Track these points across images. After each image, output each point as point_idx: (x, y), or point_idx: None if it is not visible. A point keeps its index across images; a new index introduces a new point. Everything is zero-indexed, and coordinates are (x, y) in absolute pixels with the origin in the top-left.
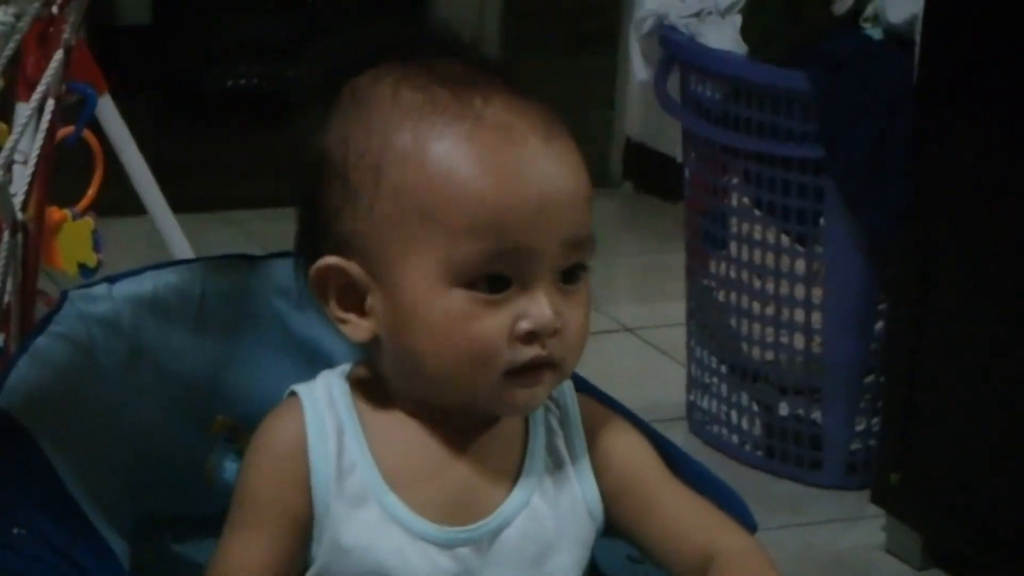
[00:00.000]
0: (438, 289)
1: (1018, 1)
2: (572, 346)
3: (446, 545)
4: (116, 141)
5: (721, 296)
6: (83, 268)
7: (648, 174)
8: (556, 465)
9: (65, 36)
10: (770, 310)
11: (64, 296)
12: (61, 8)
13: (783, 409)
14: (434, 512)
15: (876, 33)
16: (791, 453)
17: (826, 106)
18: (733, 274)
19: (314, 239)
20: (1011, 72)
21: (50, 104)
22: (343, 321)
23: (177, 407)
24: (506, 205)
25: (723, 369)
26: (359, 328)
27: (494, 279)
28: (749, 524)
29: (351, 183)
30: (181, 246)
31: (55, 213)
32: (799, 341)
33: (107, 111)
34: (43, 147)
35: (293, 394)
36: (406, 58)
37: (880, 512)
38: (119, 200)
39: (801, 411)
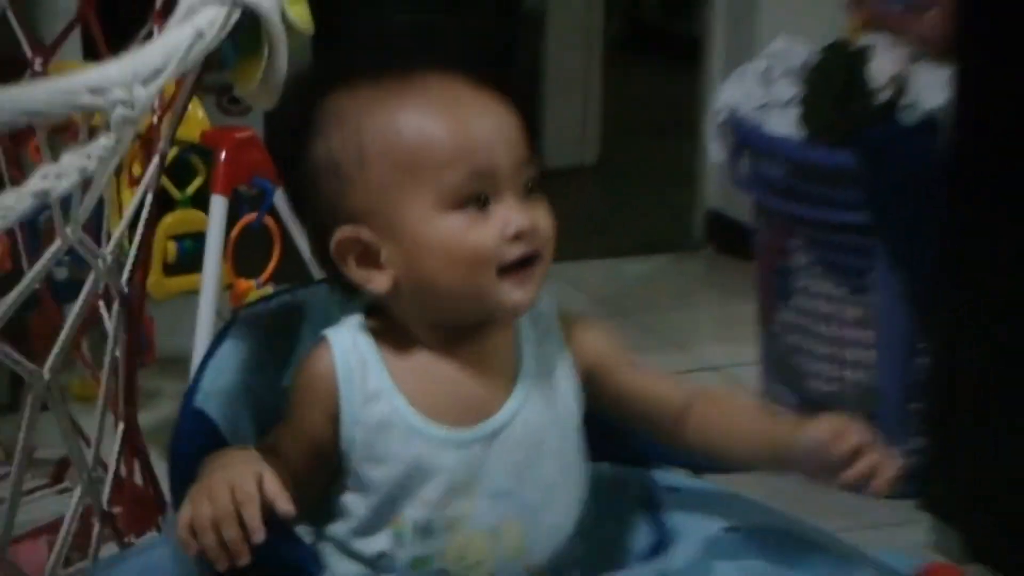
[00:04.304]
0: (435, 217)
1: None
2: (547, 240)
3: (459, 445)
4: (290, 224)
5: (789, 340)
6: None
7: (726, 238)
8: (544, 367)
9: (161, 145)
10: (830, 350)
11: (235, 313)
12: (159, 120)
13: None
14: (449, 419)
15: (914, 119)
16: None
17: (871, 183)
18: (798, 321)
19: (326, 226)
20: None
21: (149, 198)
22: (366, 279)
23: None
24: (473, 136)
25: (793, 400)
26: (382, 279)
27: (477, 198)
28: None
29: (342, 169)
30: None
31: (242, 284)
32: (855, 376)
33: (283, 200)
34: (144, 234)
35: (324, 338)
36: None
37: (926, 517)
38: (293, 272)
39: None
